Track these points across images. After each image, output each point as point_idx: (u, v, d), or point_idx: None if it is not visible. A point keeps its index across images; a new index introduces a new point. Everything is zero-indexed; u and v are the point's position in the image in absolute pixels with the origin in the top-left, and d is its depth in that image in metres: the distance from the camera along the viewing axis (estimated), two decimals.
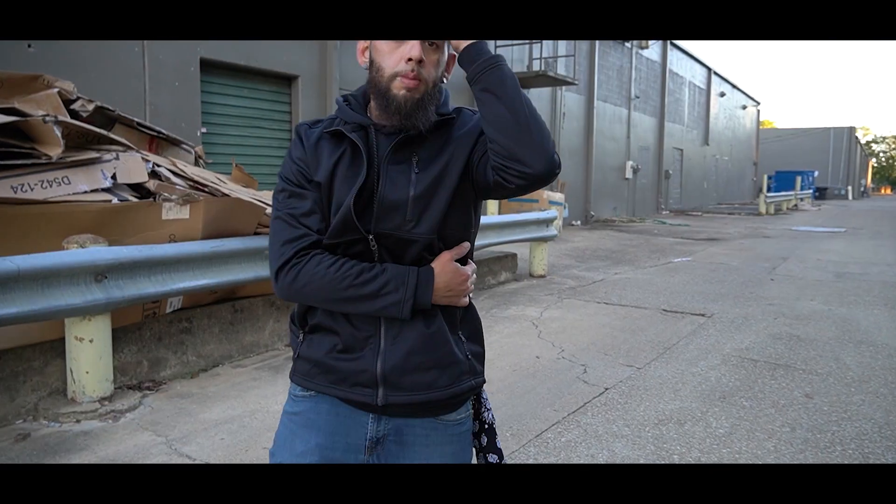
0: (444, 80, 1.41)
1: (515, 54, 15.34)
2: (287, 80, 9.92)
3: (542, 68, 14.99)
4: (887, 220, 22.66)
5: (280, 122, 9.95)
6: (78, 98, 5.06)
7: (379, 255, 1.36)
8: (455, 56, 1.36)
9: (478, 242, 7.09)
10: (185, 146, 6.10)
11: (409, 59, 1.30)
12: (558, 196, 15.31)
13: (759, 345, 5.37)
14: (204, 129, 8.64)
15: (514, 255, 8.66)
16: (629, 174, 22.05)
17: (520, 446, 3.37)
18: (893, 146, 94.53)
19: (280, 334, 5.24)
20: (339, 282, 1.30)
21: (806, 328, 5.95)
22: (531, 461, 3.19)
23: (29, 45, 6.77)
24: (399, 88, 1.31)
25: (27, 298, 3.41)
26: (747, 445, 3.41)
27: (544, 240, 8.75)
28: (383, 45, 1.33)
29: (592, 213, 19.48)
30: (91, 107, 5.11)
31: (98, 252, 3.70)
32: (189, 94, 8.35)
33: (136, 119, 5.58)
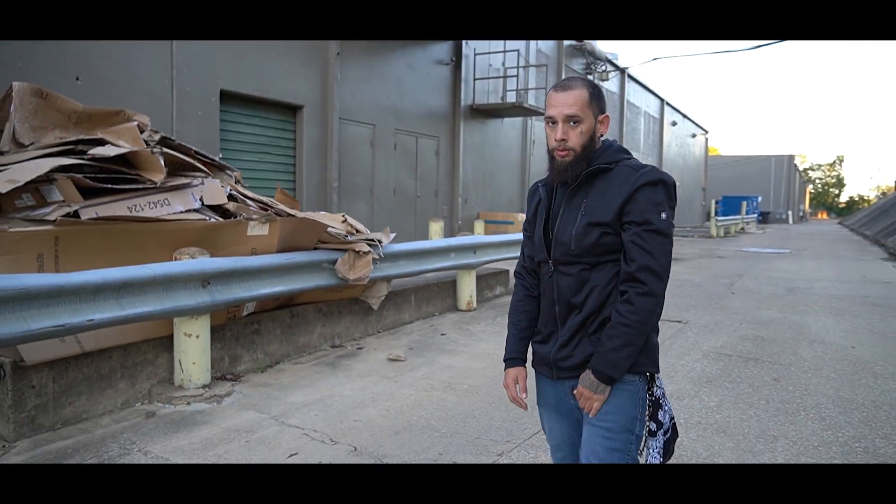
0: (602, 136, 1.95)
1: (491, 86, 16.44)
2: (293, 110, 10.70)
3: (517, 100, 16.10)
4: (826, 243, 24.51)
5: (286, 149, 10.71)
6: (145, 130, 5.79)
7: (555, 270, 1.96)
8: (609, 116, 2.02)
9: (478, 260, 7.99)
10: (228, 171, 6.83)
11: (556, 140, 1.92)
12: None
13: (731, 344, 6.38)
14: (221, 155, 9.33)
15: (506, 272, 9.58)
16: None
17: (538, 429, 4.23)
18: (828, 173, 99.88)
19: (326, 336, 6.00)
20: None
21: (767, 331, 7.01)
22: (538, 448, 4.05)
23: (77, 79, 7.42)
24: (558, 157, 1.93)
25: (157, 299, 4.14)
26: (733, 413, 4.35)
27: None
28: (547, 130, 2.01)
29: None
30: (157, 137, 5.83)
31: (205, 262, 4.44)
32: (210, 122, 9.06)
33: (192, 147, 6.30)
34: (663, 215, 1.83)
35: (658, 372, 1.96)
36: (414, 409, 4.39)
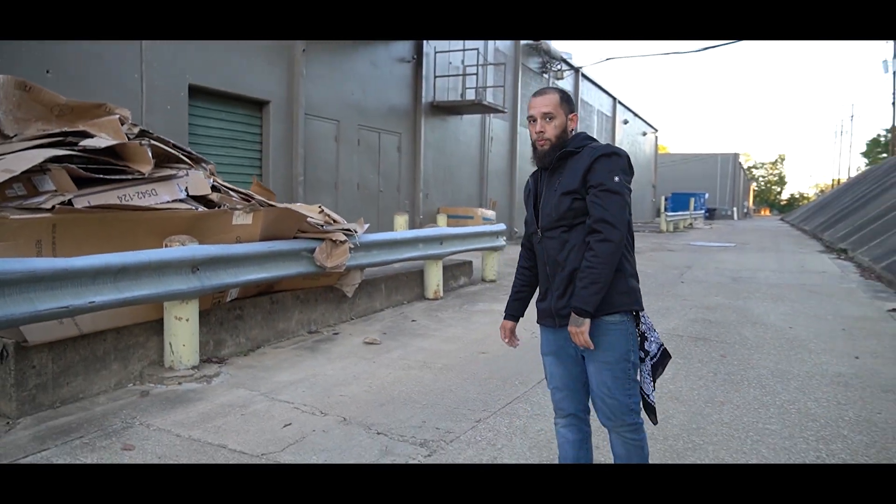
0: (573, 130, 2.46)
1: (451, 83, 16.80)
2: (259, 105, 10.85)
3: (476, 97, 16.50)
4: (768, 237, 25.69)
5: (252, 143, 10.85)
6: (125, 122, 5.94)
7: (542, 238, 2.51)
8: (577, 115, 2.51)
9: (445, 251, 8.34)
10: (203, 163, 7.01)
11: (536, 132, 2.46)
12: (490, 213, 16.82)
13: (682, 326, 6.89)
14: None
15: (470, 262, 9.95)
16: None
17: (512, 398, 4.62)
18: (771, 171, 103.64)
19: (303, 322, 6.26)
20: None
21: (714, 315, 7.56)
22: (512, 415, 4.44)
23: (48, 72, 7.46)
24: (538, 146, 2.49)
25: (151, 283, 4.36)
26: (685, 384, 4.81)
27: (495, 249, 10.10)
28: (529, 127, 2.51)
29: (516, 229, 21.13)
30: (136, 130, 6.00)
31: (195, 249, 4.67)
32: (178, 116, 9.17)
33: (171, 140, 6.47)
34: (616, 178, 2.27)
35: (642, 310, 2.42)
36: (394, 385, 4.71)
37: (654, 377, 2.45)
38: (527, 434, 3.79)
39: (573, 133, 2.48)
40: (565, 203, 2.34)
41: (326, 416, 4.04)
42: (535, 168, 2.56)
